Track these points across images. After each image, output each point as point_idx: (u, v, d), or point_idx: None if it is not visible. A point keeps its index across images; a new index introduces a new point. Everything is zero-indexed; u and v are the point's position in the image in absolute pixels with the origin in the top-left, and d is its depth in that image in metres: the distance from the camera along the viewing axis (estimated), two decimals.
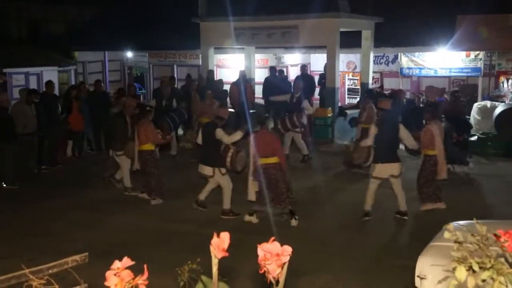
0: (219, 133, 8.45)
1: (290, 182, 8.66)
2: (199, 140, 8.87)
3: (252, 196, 8.31)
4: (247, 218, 8.28)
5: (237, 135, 8.59)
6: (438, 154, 8.56)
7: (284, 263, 1.89)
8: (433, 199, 8.68)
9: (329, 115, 14.33)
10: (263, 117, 8.63)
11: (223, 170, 8.54)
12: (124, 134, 9.79)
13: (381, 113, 8.57)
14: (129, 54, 20.41)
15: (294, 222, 8.15)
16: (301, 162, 12.10)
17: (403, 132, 8.25)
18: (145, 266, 1.95)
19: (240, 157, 8.66)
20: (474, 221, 1.60)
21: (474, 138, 13.35)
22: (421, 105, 14.11)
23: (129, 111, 10.09)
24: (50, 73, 17.58)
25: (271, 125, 8.58)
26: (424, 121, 9.08)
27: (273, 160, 8.09)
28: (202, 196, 8.84)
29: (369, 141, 8.36)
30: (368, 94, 12.34)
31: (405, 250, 7.02)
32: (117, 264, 1.90)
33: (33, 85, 16.73)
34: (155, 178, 9.32)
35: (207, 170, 8.56)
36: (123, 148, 9.72)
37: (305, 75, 15.85)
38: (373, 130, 8.30)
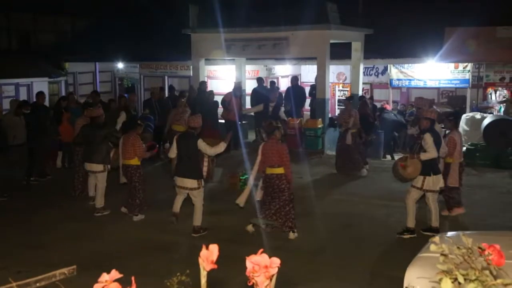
0: (202, 144, 8.22)
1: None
2: (173, 153, 8.47)
3: (241, 200, 8.26)
4: (248, 227, 8.22)
5: (221, 147, 8.36)
6: (453, 162, 8.81)
7: (273, 275, 1.89)
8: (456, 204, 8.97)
9: (320, 126, 14.40)
10: (272, 127, 8.31)
11: (203, 182, 8.41)
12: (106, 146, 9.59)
13: (429, 122, 8.03)
14: (120, 65, 20.41)
15: (292, 235, 8.06)
16: None
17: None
18: (133, 278, 1.95)
19: (214, 166, 8.73)
20: (460, 233, 1.61)
21: (463, 149, 13.46)
22: (407, 117, 14.31)
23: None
24: (41, 84, 17.52)
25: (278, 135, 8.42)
26: (446, 130, 9.20)
27: (279, 170, 7.99)
28: (177, 208, 8.67)
29: (433, 153, 7.84)
30: (349, 100, 12.59)
31: (396, 261, 7.03)
32: (105, 276, 1.90)
33: (23, 96, 16.68)
34: (139, 194, 9.12)
35: (191, 183, 8.26)
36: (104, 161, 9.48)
37: (295, 86, 15.93)
38: (431, 140, 7.79)
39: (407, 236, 8.02)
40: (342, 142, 12.04)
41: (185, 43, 16.08)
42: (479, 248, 1.47)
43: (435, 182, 7.90)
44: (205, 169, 8.42)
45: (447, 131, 9.08)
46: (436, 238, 1.58)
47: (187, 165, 8.26)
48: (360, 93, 15.98)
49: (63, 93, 18.20)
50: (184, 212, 9.31)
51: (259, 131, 11.22)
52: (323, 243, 8.00)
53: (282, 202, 7.98)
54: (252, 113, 14.03)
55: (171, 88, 15.90)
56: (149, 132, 11.52)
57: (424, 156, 7.81)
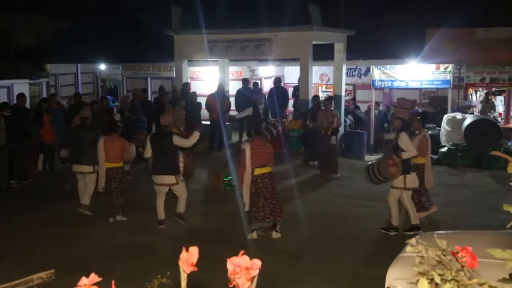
0: (177, 139, 8.55)
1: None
2: (148, 153, 8.66)
3: (248, 206, 8.09)
4: (250, 235, 8.06)
5: (196, 136, 8.68)
6: (427, 163, 8.79)
7: (254, 277, 1.89)
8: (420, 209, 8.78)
9: None
10: (260, 128, 8.52)
11: (181, 177, 8.62)
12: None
13: (401, 122, 8.21)
14: (102, 66, 20.25)
15: (275, 235, 8.09)
16: None
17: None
18: (113, 282, 1.94)
19: (190, 162, 8.86)
20: (436, 233, 1.63)
21: (444, 149, 13.61)
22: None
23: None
24: (21, 86, 17.30)
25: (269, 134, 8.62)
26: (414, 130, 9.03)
27: (268, 169, 8.10)
28: (162, 214, 8.71)
29: (414, 152, 8.01)
30: (329, 100, 12.62)
31: (380, 261, 7.06)
32: (84, 280, 1.88)
33: (3, 98, 16.43)
34: (120, 196, 9.08)
35: (169, 179, 8.47)
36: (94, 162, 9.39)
37: (278, 88, 15.96)
38: (408, 139, 7.95)
39: (393, 233, 8.18)
40: (326, 143, 12.03)
41: (168, 45, 16.01)
42: (452, 251, 1.49)
43: (414, 180, 8.11)
44: (181, 165, 8.55)
45: (416, 131, 8.94)
46: (412, 240, 1.60)
47: (164, 162, 8.45)
48: (343, 93, 16.06)
49: (45, 95, 18.00)
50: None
51: (251, 133, 11.21)
52: (306, 244, 8.02)
53: (275, 200, 8.10)
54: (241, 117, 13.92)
55: (161, 89, 15.76)
56: (144, 134, 11.50)
57: (405, 155, 7.90)
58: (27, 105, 14.16)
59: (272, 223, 8.10)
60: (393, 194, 8.17)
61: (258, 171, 7.99)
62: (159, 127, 12.08)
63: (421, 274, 1.48)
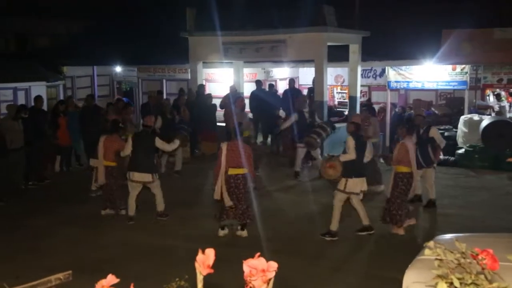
0: (159, 142, 9.02)
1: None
2: (128, 150, 8.99)
3: (218, 195, 8.31)
4: (221, 233, 8.29)
5: (176, 144, 9.35)
6: (413, 171, 8.38)
7: (270, 279, 1.89)
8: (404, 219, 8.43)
9: None
10: (240, 129, 8.69)
11: (157, 176, 9.04)
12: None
13: (353, 127, 8.42)
14: (118, 68, 20.39)
15: (241, 233, 8.26)
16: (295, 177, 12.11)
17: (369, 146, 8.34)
18: (132, 285, 1.95)
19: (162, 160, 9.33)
20: (455, 236, 1.61)
21: (461, 151, 13.47)
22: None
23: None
24: (39, 88, 17.47)
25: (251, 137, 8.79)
26: (398, 137, 8.99)
27: (242, 171, 8.19)
28: (133, 210, 9.02)
29: (351, 155, 8.13)
30: (367, 108, 12.13)
31: (394, 263, 7.01)
32: (102, 282, 1.90)
33: (21, 100, 16.62)
34: (115, 192, 9.46)
35: (147, 177, 8.88)
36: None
37: (293, 89, 15.93)
38: (353, 143, 8.11)
39: (328, 238, 8.11)
40: None
41: (183, 47, 16.08)
42: (472, 252, 1.47)
43: (356, 184, 8.07)
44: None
45: (400, 138, 8.82)
46: (431, 243, 1.58)
47: (143, 161, 8.86)
48: (359, 95, 15.98)
49: (61, 97, 18.16)
50: (182, 216, 9.33)
51: (312, 137, 11.11)
52: (321, 246, 7.98)
53: (248, 202, 8.30)
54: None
55: (181, 91, 15.75)
56: (184, 135, 11.74)
57: (343, 158, 8.23)
58: (44, 107, 14.32)
59: (241, 223, 8.28)
60: (336, 196, 8.23)
61: (231, 171, 8.17)
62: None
63: (440, 277, 1.46)
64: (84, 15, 22.10)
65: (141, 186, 9.03)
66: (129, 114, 12.53)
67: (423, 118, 9.70)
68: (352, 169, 8.09)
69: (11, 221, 9.30)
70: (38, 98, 12.76)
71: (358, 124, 8.52)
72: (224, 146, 8.27)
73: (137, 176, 8.89)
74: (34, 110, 12.24)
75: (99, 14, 21.92)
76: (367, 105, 12.68)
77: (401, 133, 8.80)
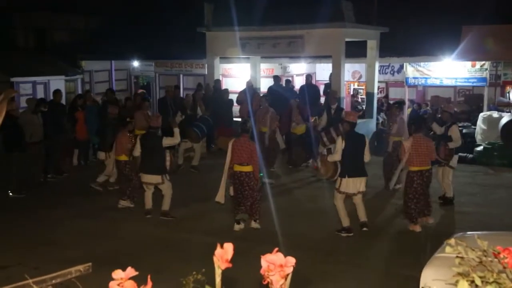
0: (166, 141, 8.94)
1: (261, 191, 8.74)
2: (137, 151, 8.96)
3: (220, 197, 8.49)
4: (237, 227, 8.34)
5: (177, 133, 9.09)
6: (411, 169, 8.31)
7: (288, 274, 1.89)
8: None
9: None
10: (247, 125, 8.62)
11: (168, 176, 8.97)
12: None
13: (347, 126, 8.22)
14: (136, 63, 20.52)
15: (254, 224, 8.34)
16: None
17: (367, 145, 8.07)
18: (148, 276, 1.96)
19: (176, 158, 9.19)
20: (476, 233, 1.59)
21: (480, 148, 13.32)
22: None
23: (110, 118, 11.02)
24: (57, 82, 17.65)
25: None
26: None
27: (247, 168, 8.19)
28: (149, 204, 9.11)
29: (336, 156, 8.07)
30: (399, 106, 11.79)
31: (411, 260, 6.97)
32: (120, 274, 1.91)
33: (40, 94, 16.82)
34: (132, 183, 9.53)
35: (156, 178, 8.86)
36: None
37: (310, 85, 15.88)
38: (340, 144, 8.02)
39: (344, 234, 8.08)
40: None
41: (200, 41, 16.12)
42: (494, 251, 1.45)
43: (349, 184, 7.96)
44: (168, 163, 8.97)
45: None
46: (452, 240, 1.56)
47: (151, 162, 8.81)
48: (376, 91, 15.89)
49: (80, 91, 18.34)
50: (198, 210, 9.38)
51: (320, 135, 11.13)
52: (338, 242, 7.97)
53: (253, 199, 8.24)
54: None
55: (198, 86, 15.77)
56: (195, 132, 11.80)
57: (329, 158, 8.27)
58: (63, 101, 14.46)
59: (252, 218, 8.39)
60: (334, 195, 8.19)
61: (236, 168, 8.22)
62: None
63: (460, 275, 1.44)
64: (103, 11, 22.25)
65: (152, 187, 9.07)
66: (146, 110, 12.57)
67: (449, 114, 9.58)
68: (345, 169, 7.99)
69: (30, 213, 9.43)
70: (57, 92, 12.89)
71: (354, 123, 8.27)
72: (231, 142, 8.33)
73: (146, 177, 8.92)
74: (53, 104, 12.37)
75: (117, 10, 22.05)
76: (399, 103, 12.46)
77: (408, 131, 8.74)
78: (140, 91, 19.22)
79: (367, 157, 8.05)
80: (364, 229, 8.19)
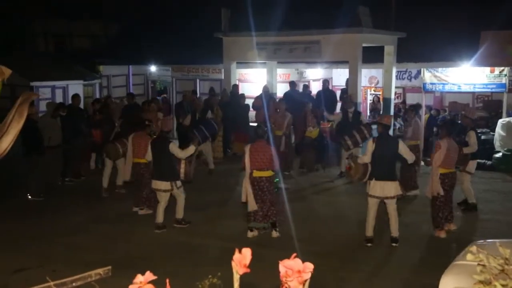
0: (173, 148, 8.55)
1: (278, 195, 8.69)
2: (149, 156, 8.81)
3: (245, 197, 8.31)
4: (250, 234, 8.28)
5: (191, 150, 8.67)
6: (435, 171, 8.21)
7: (306, 280, 1.88)
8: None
9: None
10: (262, 131, 8.53)
11: (179, 184, 8.63)
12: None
13: (381, 128, 8.19)
14: (153, 68, 20.65)
15: (274, 234, 8.23)
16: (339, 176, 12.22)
17: (403, 148, 7.94)
18: (167, 280, 1.97)
19: (192, 169, 8.84)
20: (497, 241, 1.58)
21: (498, 155, 13.16)
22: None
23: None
24: (76, 87, 17.85)
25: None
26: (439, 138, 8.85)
27: (267, 173, 8.15)
28: (160, 218, 8.69)
29: (366, 158, 8.00)
30: (414, 108, 11.74)
31: (430, 268, 6.90)
32: (139, 278, 1.93)
33: (59, 98, 17.00)
34: (147, 189, 9.33)
35: (164, 185, 8.54)
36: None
37: (326, 90, 15.84)
38: (370, 146, 7.96)
39: (369, 245, 7.93)
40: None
41: (217, 47, 16.18)
42: None
43: (376, 187, 7.78)
44: (182, 170, 8.64)
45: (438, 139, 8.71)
46: (474, 248, 1.54)
47: (160, 168, 8.58)
48: (393, 96, 15.79)
49: (97, 96, 18.52)
50: (213, 215, 9.38)
51: (343, 139, 11.13)
52: (356, 248, 7.91)
53: (270, 203, 8.17)
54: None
55: (211, 90, 15.81)
56: (196, 137, 11.76)
57: (359, 160, 8.10)
58: (81, 105, 14.61)
59: (268, 224, 8.27)
60: (368, 200, 8.00)
61: (256, 173, 8.12)
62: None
63: (481, 283, 1.43)
64: (121, 17, 22.49)
65: (166, 194, 8.64)
66: (154, 112, 12.58)
67: (470, 120, 9.53)
68: (374, 172, 7.88)
69: (48, 216, 9.53)
70: (76, 97, 13.02)
71: (387, 126, 8.28)
72: (247, 148, 8.21)
73: (155, 183, 8.64)
74: (71, 108, 12.50)
75: (135, 15, 22.28)
76: (414, 106, 12.39)
77: (441, 134, 8.69)
78: (162, 96, 19.39)
79: (408, 158, 7.94)
80: (394, 244, 7.91)
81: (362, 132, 11.01)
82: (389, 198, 7.83)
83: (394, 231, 7.95)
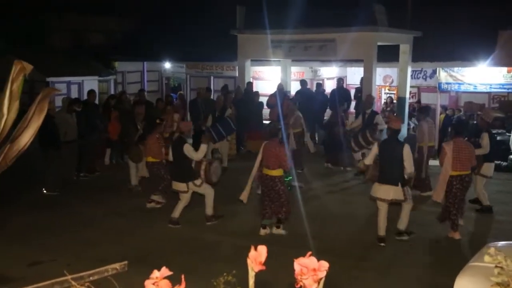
0: (188, 149, 8.50)
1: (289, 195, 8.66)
2: (170, 157, 8.83)
3: (244, 197, 8.47)
4: (262, 232, 8.30)
5: (203, 150, 8.57)
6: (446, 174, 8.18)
7: (321, 279, 1.88)
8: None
9: None
10: (276, 129, 8.63)
11: (198, 182, 8.57)
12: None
13: (389, 131, 8.20)
14: (167, 64, 20.73)
15: (275, 231, 8.26)
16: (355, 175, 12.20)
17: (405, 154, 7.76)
18: (182, 276, 1.98)
19: (214, 169, 8.72)
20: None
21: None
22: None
23: (138, 119, 11.42)
24: (91, 83, 17.99)
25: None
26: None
27: (277, 173, 8.18)
28: (177, 214, 8.72)
29: (367, 160, 8.09)
30: (422, 112, 11.54)
31: (444, 269, 6.86)
32: (155, 273, 1.94)
33: (74, 94, 17.14)
34: (165, 182, 9.47)
35: (181, 186, 8.56)
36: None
37: (341, 89, 15.79)
38: (374, 149, 8.02)
39: (382, 244, 7.92)
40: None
41: (231, 44, 16.19)
42: None
43: (379, 190, 7.85)
44: (202, 172, 8.57)
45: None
46: (492, 250, 1.53)
47: (177, 169, 8.65)
48: (408, 96, 15.68)
49: (112, 92, 18.63)
50: (227, 212, 9.39)
51: (349, 141, 11.25)
52: (369, 248, 7.89)
53: (279, 202, 8.19)
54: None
55: (224, 87, 15.84)
56: (210, 135, 11.81)
57: (365, 161, 8.28)
58: (96, 101, 14.71)
59: (274, 220, 8.31)
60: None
61: (265, 171, 8.21)
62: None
63: (498, 285, 1.42)
64: (135, 12, 22.59)
65: (187, 194, 8.63)
66: (171, 114, 12.63)
67: (486, 123, 9.46)
68: (379, 174, 7.92)
69: (63, 211, 9.61)
70: (91, 92, 13.11)
71: (396, 130, 8.07)
72: (263, 145, 8.33)
73: (173, 184, 8.72)
74: (87, 104, 12.58)
75: (150, 12, 22.37)
76: (421, 109, 12.30)
77: (449, 136, 8.65)
78: (179, 92, 19.43)
79: (407, 166, 7.71)
80: (397, 238, 8.03)
81: (365, 135, 11.06)
82: (385, 201, 7.85)
83: (401, 225, 8.04)
